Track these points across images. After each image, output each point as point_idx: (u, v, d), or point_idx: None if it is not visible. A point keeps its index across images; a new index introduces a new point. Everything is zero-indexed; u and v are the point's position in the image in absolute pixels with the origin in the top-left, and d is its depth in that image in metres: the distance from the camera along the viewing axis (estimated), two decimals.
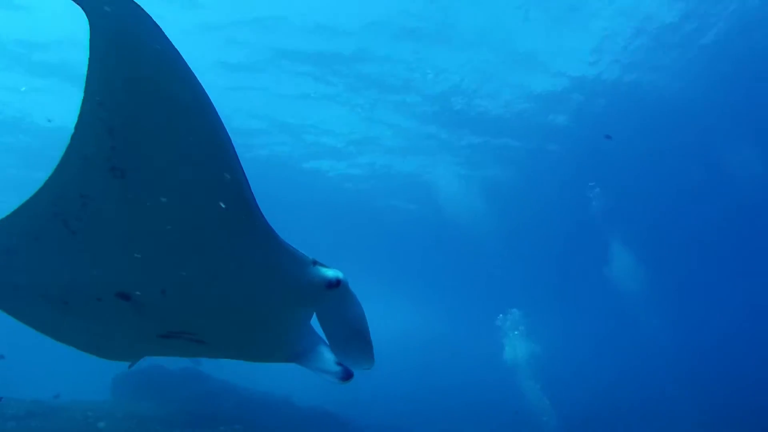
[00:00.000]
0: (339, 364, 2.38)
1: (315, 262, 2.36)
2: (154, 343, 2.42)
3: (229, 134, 1.98)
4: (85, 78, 1.77)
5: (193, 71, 1.82)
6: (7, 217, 2.07)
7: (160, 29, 1.71)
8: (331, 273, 2.36)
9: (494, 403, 27.02)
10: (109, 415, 12.49)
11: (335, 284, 2.35)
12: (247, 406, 15.00)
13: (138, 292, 2.17)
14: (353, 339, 2.45)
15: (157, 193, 1.96)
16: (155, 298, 2.17)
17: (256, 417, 13.87)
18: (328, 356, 2.41)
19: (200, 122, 1.87)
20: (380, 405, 23.28)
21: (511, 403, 25.12)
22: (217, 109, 1.91)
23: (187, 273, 2.13)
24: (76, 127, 1.82)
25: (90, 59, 1.72)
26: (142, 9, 1.66)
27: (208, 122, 1.88)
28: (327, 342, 2.50)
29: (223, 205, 2.02)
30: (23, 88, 16.28)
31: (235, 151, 1.98)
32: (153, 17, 1.69)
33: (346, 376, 2.34)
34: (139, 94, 1.78)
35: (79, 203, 1.98)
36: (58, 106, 16.26)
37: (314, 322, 2.59)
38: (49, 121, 16.23)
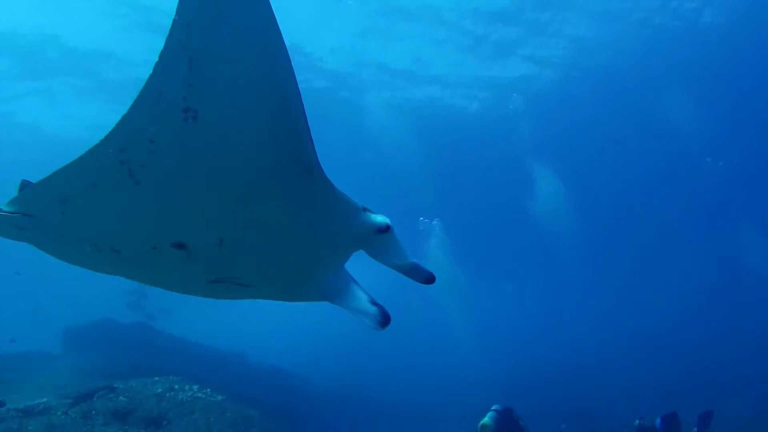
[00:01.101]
0: (374, 303, 2.32)
1: (365, 209, 2.43)
2: (201, 288, 2.45)
3: None
4: None
5: None
6: (70, 165, 1.98)
7: None
8: (380, 219, 2.43)
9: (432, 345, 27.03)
10: (52, 366, 12.20)
11: (384, 229, 2.43)
12: (195, 361, 14.98)
13: (196, 242, 2.18)
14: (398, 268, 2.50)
15: (225, 139, 1.95)
16: (212, 247, 2.17)
17: (201, 370, 13.90)
18: (361, 295, 2.38)
19: (278, 65, 1.86)
20: (336, 364, 23.41)
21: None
22: None
23: (248, 222, 2.14)
24: (160, 56, 1.78)
25: None
26: None
27: (284, 67, 1.88)
28: (359, 283, 2.51)
29: (290, 155, 2.03)
30: None
31: (301, 98, 1.98)
32: None
33: (384, 319, 2.26)
34: (231, 19, 1.75)
35: (147, 149, 1.96)
36: None
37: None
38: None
